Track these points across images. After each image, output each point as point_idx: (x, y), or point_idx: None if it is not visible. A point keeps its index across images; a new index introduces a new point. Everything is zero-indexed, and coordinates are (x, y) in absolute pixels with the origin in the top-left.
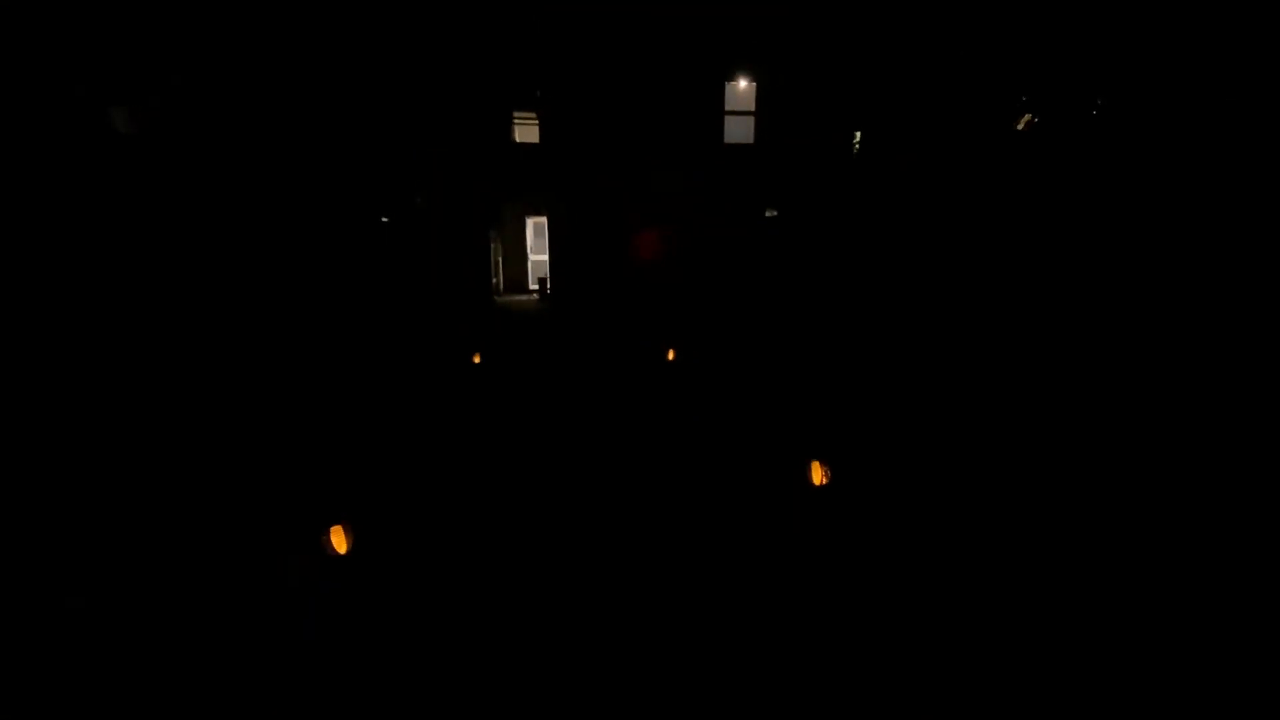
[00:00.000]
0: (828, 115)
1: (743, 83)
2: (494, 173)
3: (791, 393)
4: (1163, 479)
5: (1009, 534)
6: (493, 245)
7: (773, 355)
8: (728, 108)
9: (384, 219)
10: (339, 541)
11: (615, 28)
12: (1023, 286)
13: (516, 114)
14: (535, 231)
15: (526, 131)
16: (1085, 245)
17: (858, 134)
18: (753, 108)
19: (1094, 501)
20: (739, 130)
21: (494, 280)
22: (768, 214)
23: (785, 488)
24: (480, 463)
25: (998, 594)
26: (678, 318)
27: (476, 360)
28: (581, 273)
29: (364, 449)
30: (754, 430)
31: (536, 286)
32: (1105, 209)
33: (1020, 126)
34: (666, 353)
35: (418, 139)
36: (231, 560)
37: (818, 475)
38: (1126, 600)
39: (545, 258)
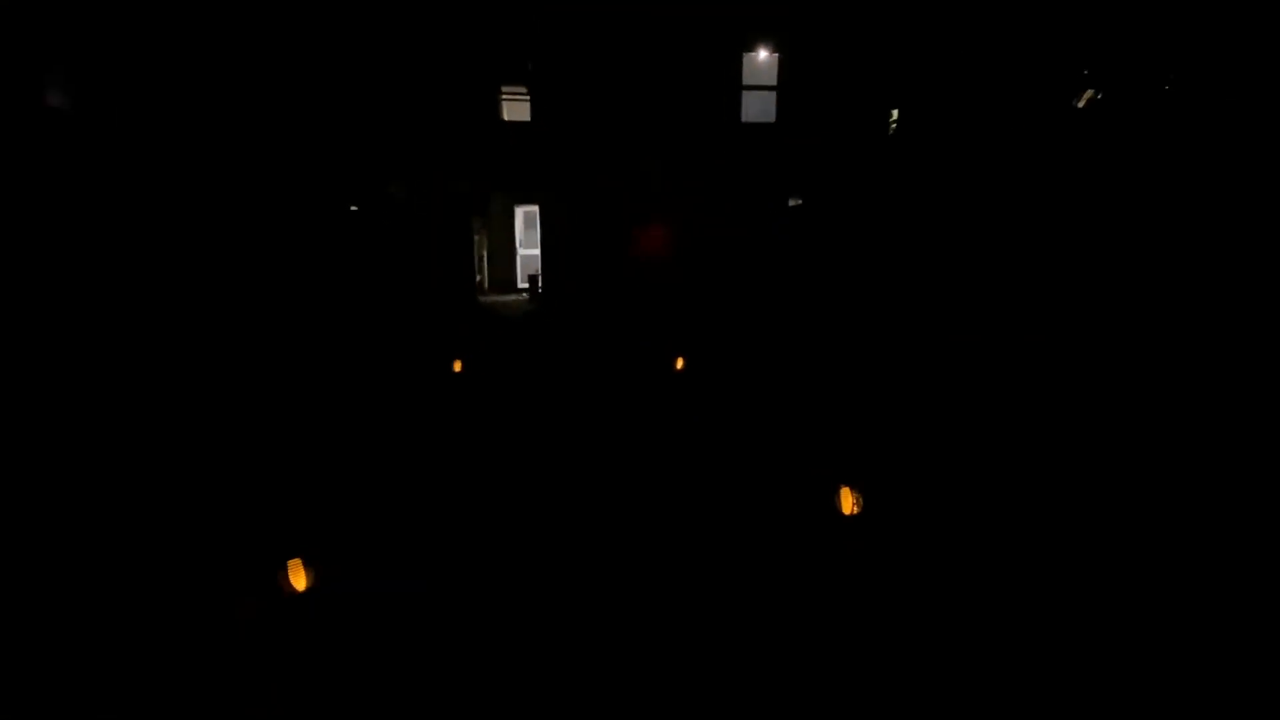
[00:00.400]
0: (860, 90)
1: (763, 54)
2: (479, 155)
3: (820, 408)
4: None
5: (1072, 576)
6: (477, 238)
7: (798, 365)
8: (746, 82)
9: (352, 207)
10: (297, 578)
11: None
12: (1085, 290)
13: (505, 89)
14: (525, 222)
15: (516, 109)
16: (1159, 247)
17: (894, 112)
18: (774, 82)
19: (1181, 531)
20: (758, 107)
21: (478, 277)
22: (791, 203)
23: (811, 517)
24: (461, 489)
25: (1056, 644)
26: (688, 321)
27: (457, 368)
28: (578, 269)
29: (328, 471)
30: (777, 451)
31: (526, 284)
32: (1181, 202)
33: (1080, 104)
34: (674, 361)
35: (393, 117)
36: (171, 602)
37: (848, 503)
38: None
39: (536, 252)
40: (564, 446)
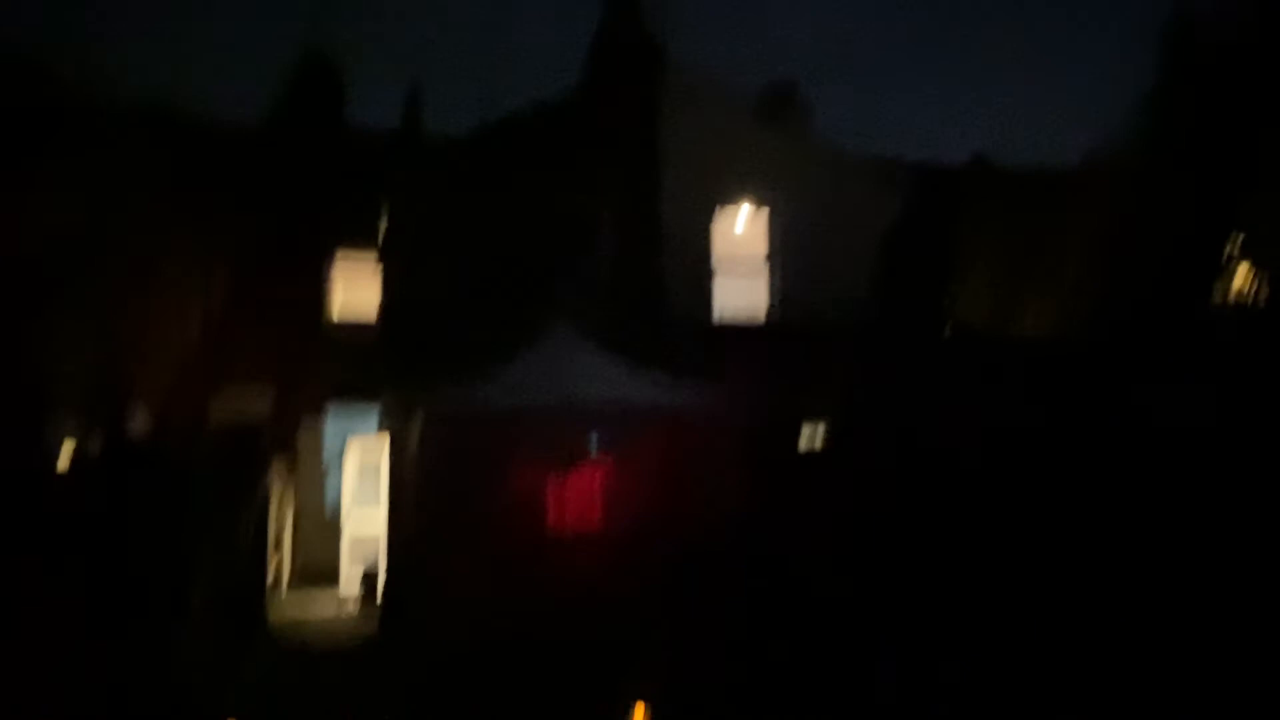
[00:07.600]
0: None
1: None
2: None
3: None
4: None
5: None
6: (278, 492)
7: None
8: None
9: None
10: None
11: None
12: None
13: None
14: (362, 467)
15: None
16: None
17: None
18: None
19: None
20: None
21: (272, 559)
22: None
23: None
24: None
25: None
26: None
27: None
28: (469, 547)
29: None
30: None
31: (359, 581)
32: None
33: None
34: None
35: None
36: None
37: None
38: None
39: (379, 515)
40: None
